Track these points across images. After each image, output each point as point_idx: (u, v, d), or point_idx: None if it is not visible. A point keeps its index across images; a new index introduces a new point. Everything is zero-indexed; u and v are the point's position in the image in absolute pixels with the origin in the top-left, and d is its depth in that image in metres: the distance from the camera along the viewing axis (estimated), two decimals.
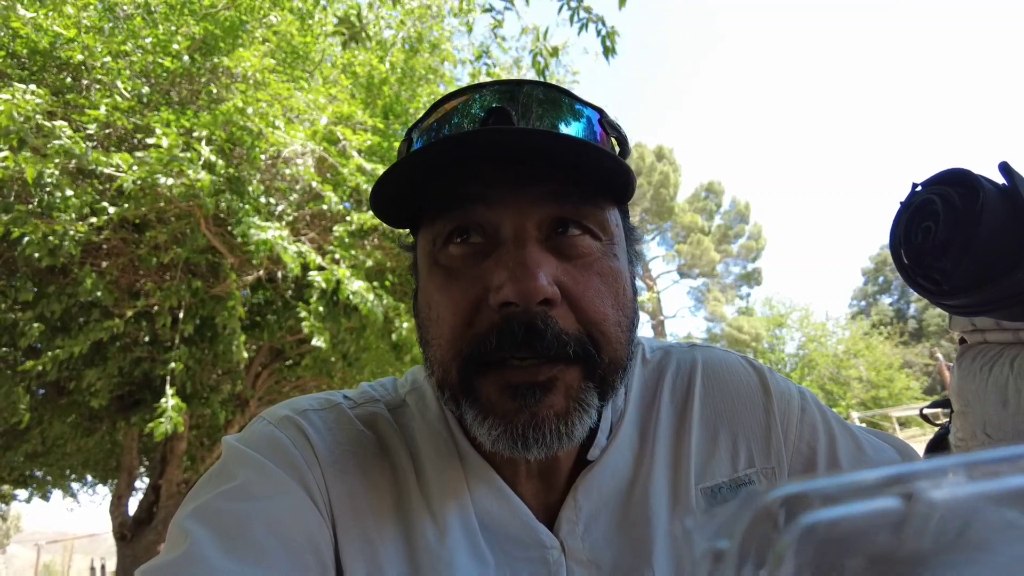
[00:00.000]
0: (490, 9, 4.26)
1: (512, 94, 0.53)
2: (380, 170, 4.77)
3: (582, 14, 3.73)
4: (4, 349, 4.81)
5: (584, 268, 0.52)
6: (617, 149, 0.59)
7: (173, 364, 4.60)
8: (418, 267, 0.58)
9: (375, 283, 4.73)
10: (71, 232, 3.82)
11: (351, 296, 4.24)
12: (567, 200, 0.51)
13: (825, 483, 0.15)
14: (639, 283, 0.61)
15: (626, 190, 0.55)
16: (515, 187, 0.50)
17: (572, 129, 0.53)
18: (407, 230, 0.61)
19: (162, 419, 4.15)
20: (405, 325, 4.93)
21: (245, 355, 4.60)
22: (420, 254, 0.57)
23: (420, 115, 0.57)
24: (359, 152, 4.73)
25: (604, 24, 3.78)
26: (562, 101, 0.54)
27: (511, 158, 0.49)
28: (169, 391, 4.36)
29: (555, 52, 4.39)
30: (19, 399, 4.69)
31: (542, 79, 4.53)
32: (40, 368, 4.22)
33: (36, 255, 3.86)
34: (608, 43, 3.76)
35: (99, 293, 4.38)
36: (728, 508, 0.15)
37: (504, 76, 6.16)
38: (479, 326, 0.49)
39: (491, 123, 0.52)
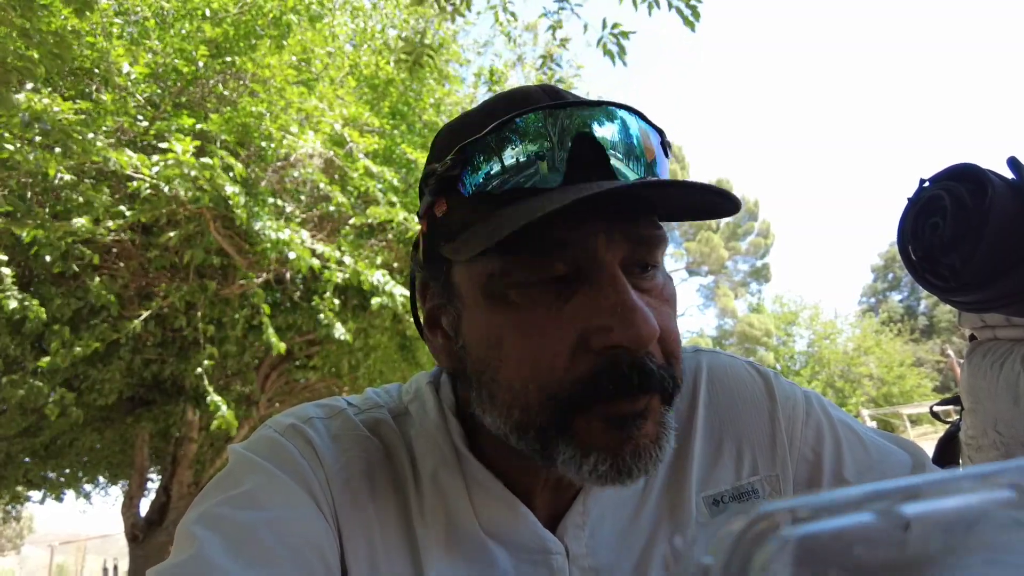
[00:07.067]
0: (545, 14, 4.36)
1: (594, 116, 0.50)
2: (385, 172, 4.79)
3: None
4: (32, 358, 4.86)
5: (659, 299, 0.52)
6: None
7: (205, 362, 4.81)
8: (460, 293, 0.54)
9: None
10: (91, 236, 3.87)
11: (373, 283, 4.36)
12: (649, 239, 0.51)
13: (811, 499, 0.15)
14: None
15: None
16: (605, 224, 0.48)
17: (654, 156, 0.52)
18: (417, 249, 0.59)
19: (217, 415, 4.59)
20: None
21: (283, 345, 4.68)
22: (470, 282, 0.52)
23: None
24: (365, 155, 4.75)
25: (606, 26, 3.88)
26: (643, 128, 0.52)
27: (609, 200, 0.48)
28: (209, 388, 4.65)
29: (564, 42, 4.53)
30: (63, 403, 4.76)
31: (549, 68, 4.62)
32: (57, 365, 4.34)
33: (48, 258, 3.90)
34: (613, 48, 3.85)
35: (104, 295, 4.44)
36: (717, 523, 0.15)
37: (505, 71, 6.18)
38: (578, 369, 0.48)
39: (575, 151, 0.49)
